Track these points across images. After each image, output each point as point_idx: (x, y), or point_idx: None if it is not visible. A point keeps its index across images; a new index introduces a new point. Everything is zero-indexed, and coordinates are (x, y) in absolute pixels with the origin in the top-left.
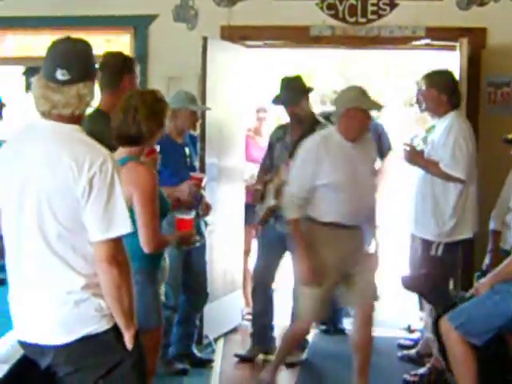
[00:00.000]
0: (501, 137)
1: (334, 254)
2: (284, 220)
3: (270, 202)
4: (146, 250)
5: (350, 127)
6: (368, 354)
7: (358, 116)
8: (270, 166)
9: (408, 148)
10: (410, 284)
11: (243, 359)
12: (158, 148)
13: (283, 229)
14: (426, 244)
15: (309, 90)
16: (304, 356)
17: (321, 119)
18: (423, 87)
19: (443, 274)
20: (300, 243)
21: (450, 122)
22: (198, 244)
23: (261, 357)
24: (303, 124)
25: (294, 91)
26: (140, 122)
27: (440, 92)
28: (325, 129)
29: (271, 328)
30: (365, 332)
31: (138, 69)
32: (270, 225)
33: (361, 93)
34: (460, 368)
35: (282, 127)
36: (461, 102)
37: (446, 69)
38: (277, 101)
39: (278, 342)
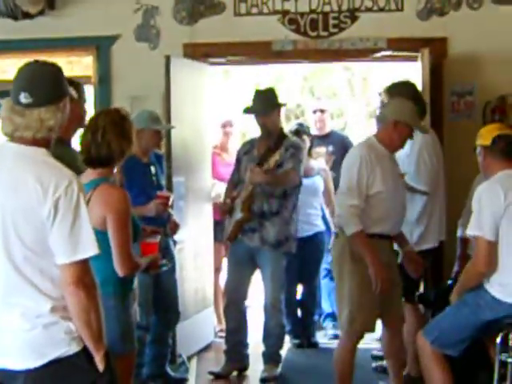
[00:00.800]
0: (465, 144)
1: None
2: (250, 234)
3: (238, 215)
4: (120, 273)
5: (394, 139)
6: (402, 358)
7: (403, 131)
8: (237, 181)
9: None
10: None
11: (217, 376)
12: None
13: (251, 242)
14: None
15: (281, 104)
16: (278, 371)
17: (288, 134)
18: (386, 99)
19: (413, 282)
20: (371, 253)
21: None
22: (165, 268)
23: (235, 374)
24: (271, 137)
25: (266, 102)
26: (110, 142)
27: None
28: (365, 140)
29: (245, 345)
30: (397, 340)
31: (84, 93)
32: (238, 240)
33: (413, 109)
34: (432, 382)
35: (249, 141)
36: (425, 112)
37: (408, 80)
38: (248, 110)
39: (252, 359)
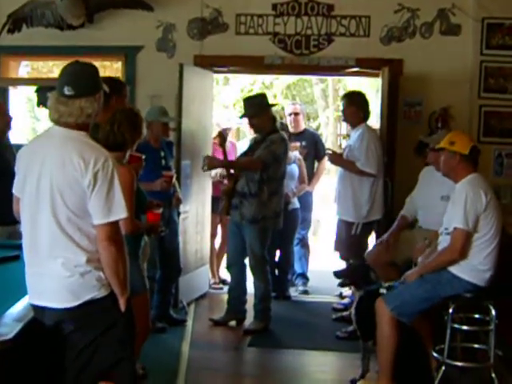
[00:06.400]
0: (414, 144)
1: None
2: (234, 210)
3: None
4: (123, 231)
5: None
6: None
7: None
8: None
9: (331, 152)
10: (341, 275)
11: (216, 323)
12: (143, 156)
13: (234, 217)
14: (348, 225)
15: (268, 106)
16: (261, 326)
17: (278, 129)
18: (343, 104)
19: (359, 246)
20: None
21: (363, 131)
22: (163, 234)
23: (233, 323)
24: (261, 133)
25: (251, 107)
26: (124, 133)
27: (358, 108)
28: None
29: (242, 301)
30: None
31: (126, 90)
32: (230, 214)
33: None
34: (385, 342)
35: (253, 137)
36: (369, 116)
37: (359, 90)
38: (242, 115)
39: (249, 314)
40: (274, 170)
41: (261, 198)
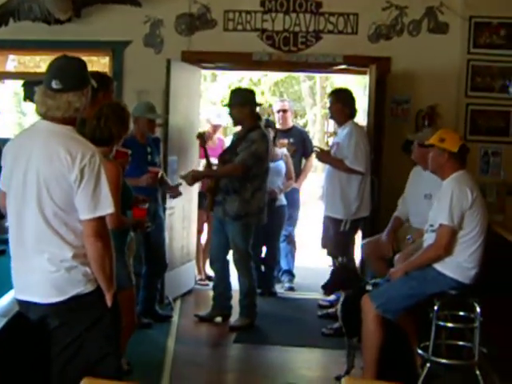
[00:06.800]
0: (401, 142)
1: None
2: (217, 206)
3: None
4: (109, 226)
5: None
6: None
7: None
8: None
9: (318, 150)
10: (330, 288)
11: (202, 319)
12: (129, 152)
13: (217, 213)
14: (336, 222)
15: (251, 101)
16: (247, 322)
17: (260, 126)
18: (329, 101)
19: (346, 243)
20: None
21: (350, 129)
22: (149, 229)
23: (219, 319)
24: (243, 127)
25: (232, 99)
26: (111, 128)
27: (344, 106)
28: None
29: (227, 297)
30: None
31: (113, 85)
32: (214, 211)
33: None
34: (370, 339)
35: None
36: (356, 113)
37: (346, 87)
38: (225, 104)
39: (235, 310)
40: (256, 168)
41: (244, 195)
